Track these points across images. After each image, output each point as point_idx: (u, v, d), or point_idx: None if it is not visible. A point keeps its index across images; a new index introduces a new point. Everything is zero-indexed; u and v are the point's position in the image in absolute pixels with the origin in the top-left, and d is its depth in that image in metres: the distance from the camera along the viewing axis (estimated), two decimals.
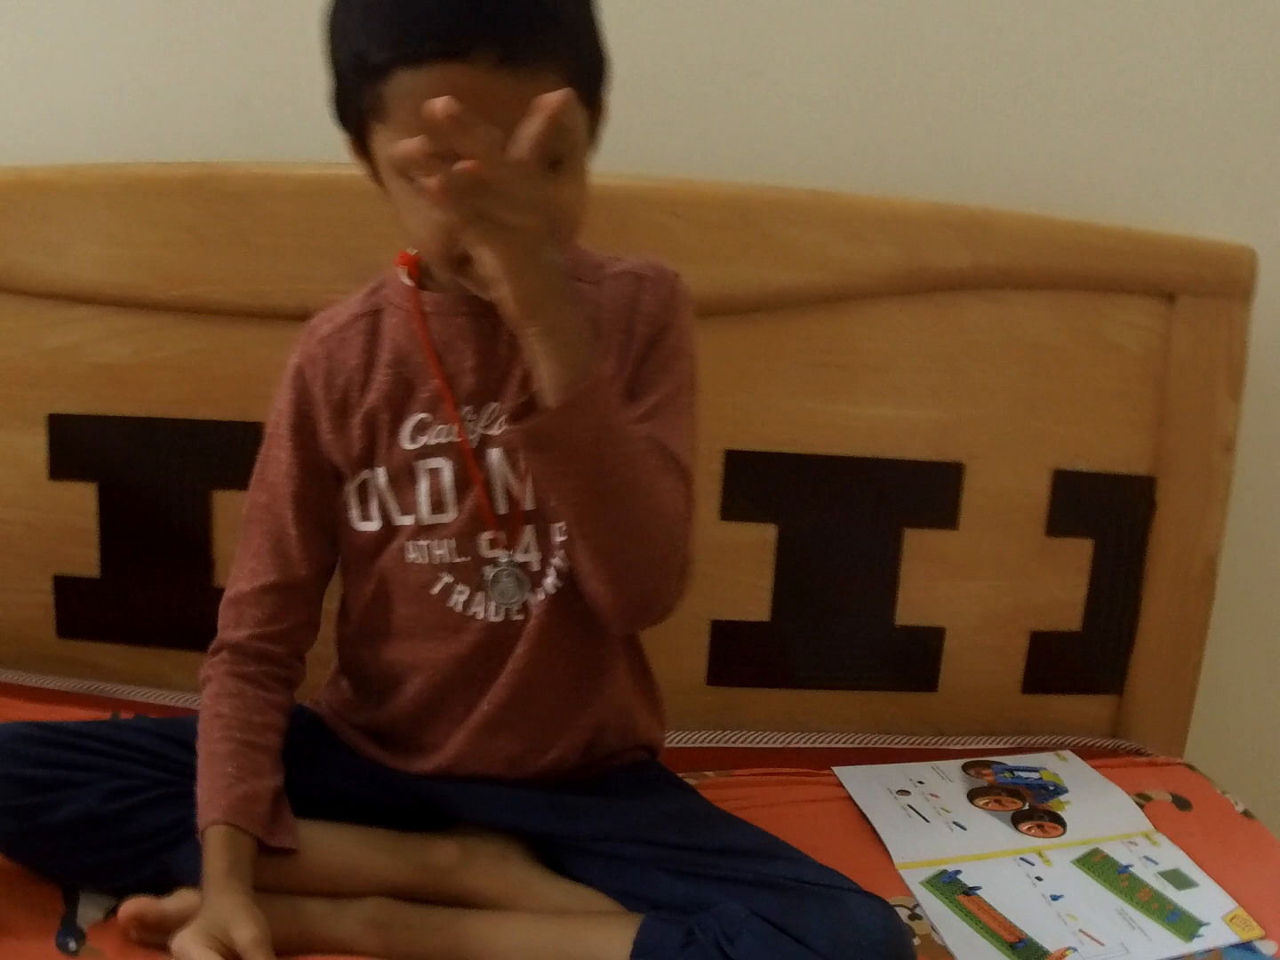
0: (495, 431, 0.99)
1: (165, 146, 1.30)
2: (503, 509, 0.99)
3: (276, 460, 1.04)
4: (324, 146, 1.24)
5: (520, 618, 1.00)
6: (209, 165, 1.26)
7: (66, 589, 1.34)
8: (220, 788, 0.95)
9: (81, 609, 1.35)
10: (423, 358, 1.00)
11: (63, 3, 1.33)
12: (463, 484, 0.99)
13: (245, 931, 0.86)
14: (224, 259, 1.26)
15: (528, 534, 0.99)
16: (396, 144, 0.80)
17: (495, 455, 0.99)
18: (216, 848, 0.92)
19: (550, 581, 1.00)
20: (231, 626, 1.05)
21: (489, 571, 0.99)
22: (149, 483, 1.32)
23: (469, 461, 0.98)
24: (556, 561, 1.00)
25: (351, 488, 1.02)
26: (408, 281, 1.02)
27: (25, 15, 1.33)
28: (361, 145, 0.93)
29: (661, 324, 1.00)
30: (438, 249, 0.89)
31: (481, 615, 1.00)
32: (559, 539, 0.99)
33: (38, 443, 1.31)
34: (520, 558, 0.99)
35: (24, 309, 1.28)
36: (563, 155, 0.87)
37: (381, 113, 0.86)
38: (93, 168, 1.27)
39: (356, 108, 0.89)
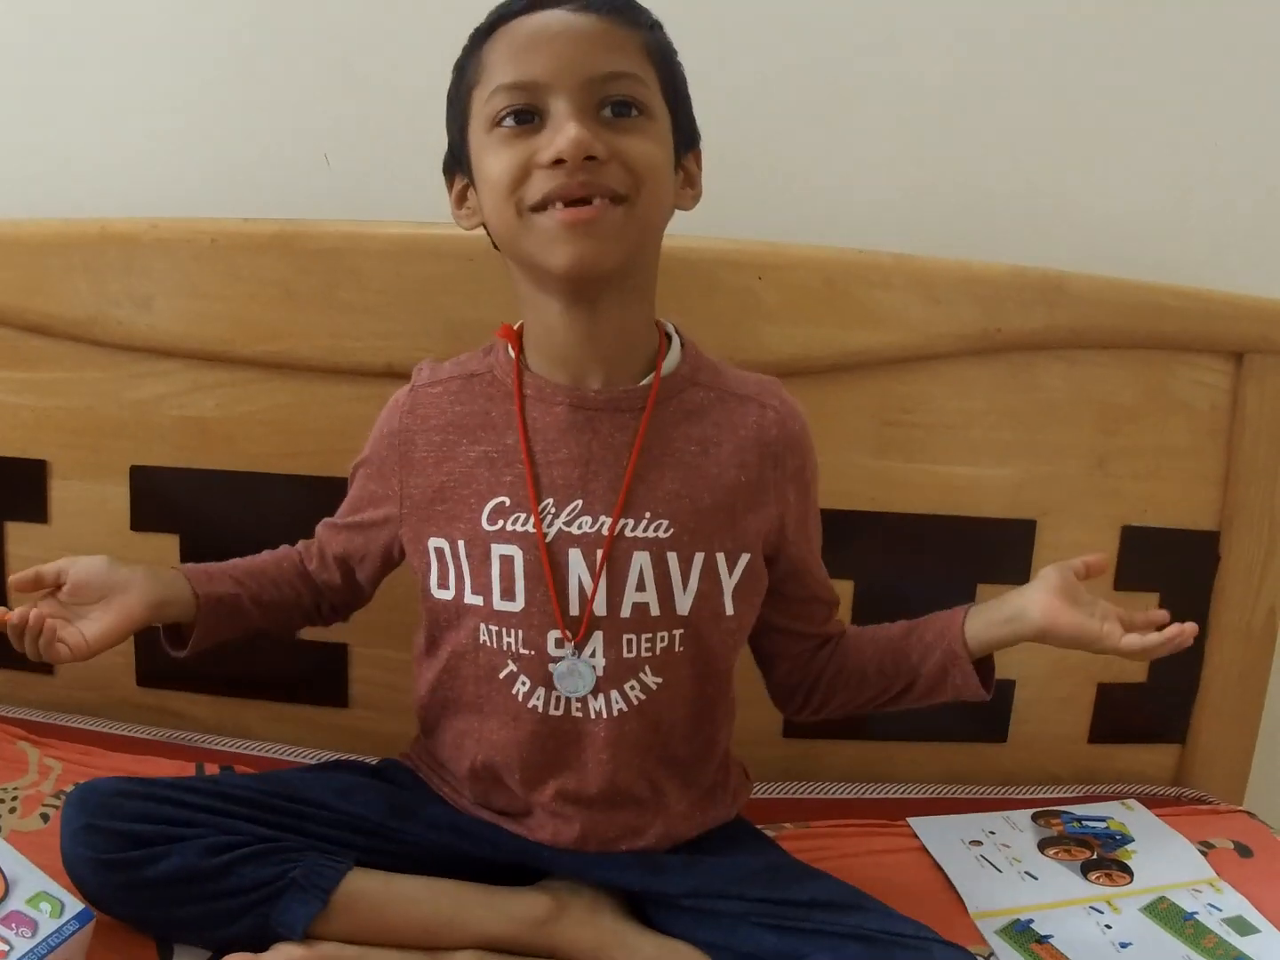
0: (576, 530, 0.98)
1: (245, 202, 1.30)
2: (574, 609, 0.98)
3: (355, 481, 1.10)
4: (406, 205, 1.28)
5: (580, 715, 1.00)
6: (295, 222, 1.27)
7: (147, 638, 1.33)
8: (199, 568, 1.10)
9: (162, 658, 1.32)
10: (514, 439, 1.00)
11: (146, 56, 1.34)
12: (533, 576, 0.98)
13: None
14: (311, 316, 1.26)
15: (596, 639, 0.99)
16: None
17: (574, 555, 0.98)
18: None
19: (634, 694, 1.00)
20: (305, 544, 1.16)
21: (553, 669, 0.99)
22: (232, 535, 1.30)
23: (543, 556, 0.98)
24: (645, 676, 1.00)
25: (430, 549, 1.02)
26: (510, 355, 1.02)
27: (108, 68, 1.34)
28: (460, 159, 0.99)
29: (803, 457, 1.04)
30: (508, 189, 0.92)
31: (540, 709, 1.00)
32: (639, 653, 0.99)
33: (120, 494, 1.32)
34: (586, 660, 0.99)
35: (108, 361, 1.30)
36: (631, 101, 0.92)
37: (480, 74, 0.95)
38: (177, 222, 1.27)
39: (460, 106, 0.97)
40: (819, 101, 1.34)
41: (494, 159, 0.93)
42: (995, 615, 1.05)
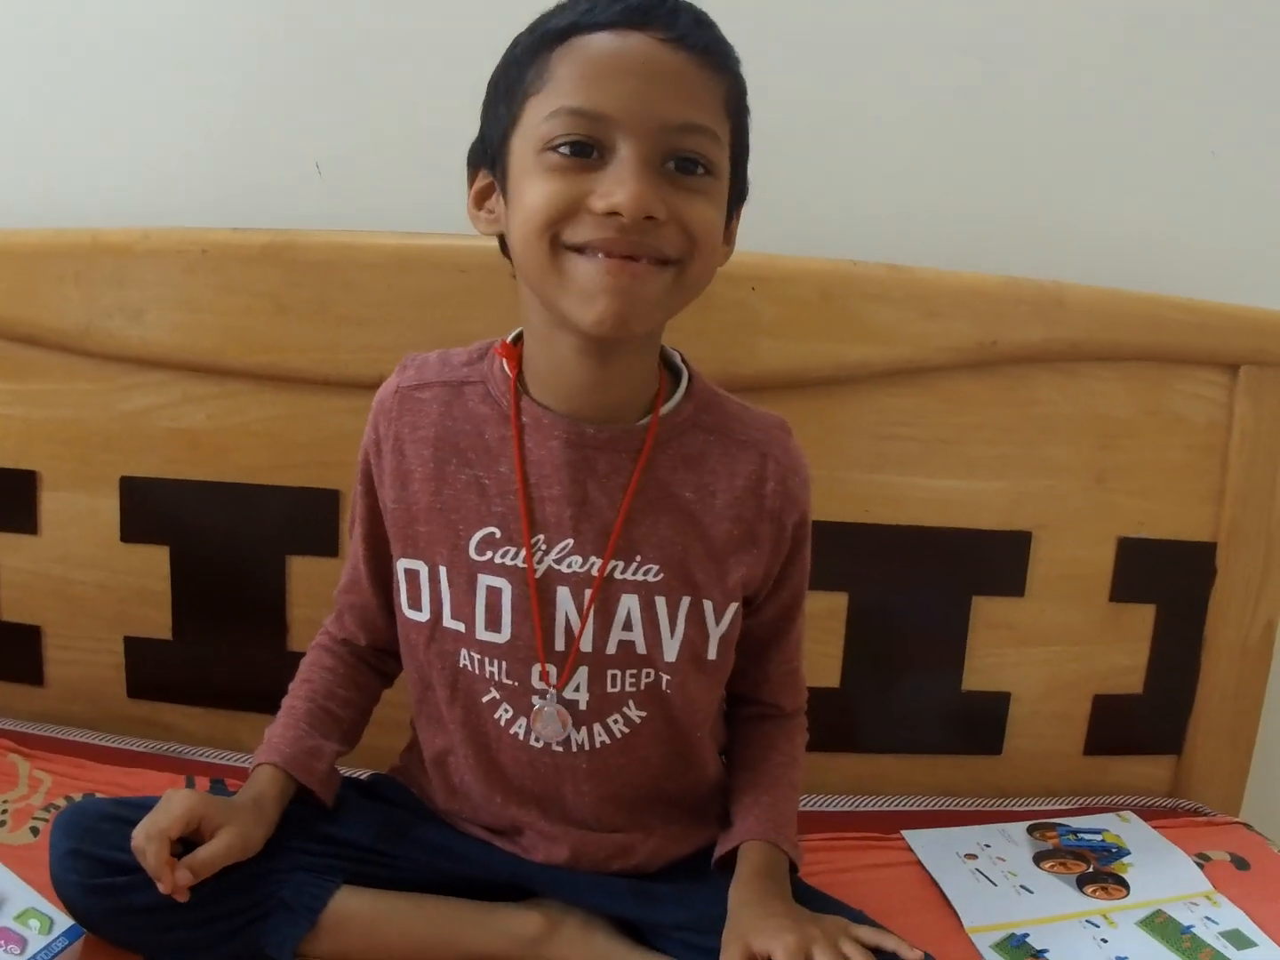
0: (566, 569, 0.95)
1: (236, 211, 1.29)
2: (560, 645, 0.96)
3: (356, 492, 1.04)
4: (398, 214, 1.27)
5: (560, 749, 0.99)
6: (287, 233, 1.26)
7: (137, 650, 1.35)
8: (290, 738, 1.01)
9: (152, 670, 1.35)
10: (509, 468, 0.95)
11: (137, 64, 1.33)
12: (521, 610, 0.96)
13: (225, 839, 0.92)
14: (303, 327, 1.25)
15: (580, 674, 0.97)
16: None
17: (562, 592, 0.96)
18: (265, 781, 0.99)
19: (618, 727, 0.99)
20: (331, 619, 1.10)
21: (536, 702, 0.98)
22: (222, 547, 1.32)
23: (532, 592, 0.95)
24: (629, 711, 0.99)
25: (400, 569, 1.00)
26: (507, 373, 0.96)
27: (100, 76, 1.33)
28: (493, 159, 0.91)
29: (801, 518, 1.01)
30: (546, 223, 0.84)
31: (522, 737, 0.99)
32: (624, 688, 0.98)
33: (110, 505, 1.31)
34: (569, 694, 0.97)
35: (99, 372, 1.29)
36: (700, 159, 0.85)
37: (544, 83, 0.85)
38: (168, 231, 1.26)
39: (509, 107, 0.88)
40: (815, 114, 1.33)
41: (538, 186, 0.85)
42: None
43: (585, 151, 0.84)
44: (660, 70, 0.83)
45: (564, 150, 0.84)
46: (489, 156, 0.92)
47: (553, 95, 0.84)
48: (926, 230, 1.34)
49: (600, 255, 0.84)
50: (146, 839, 0.90)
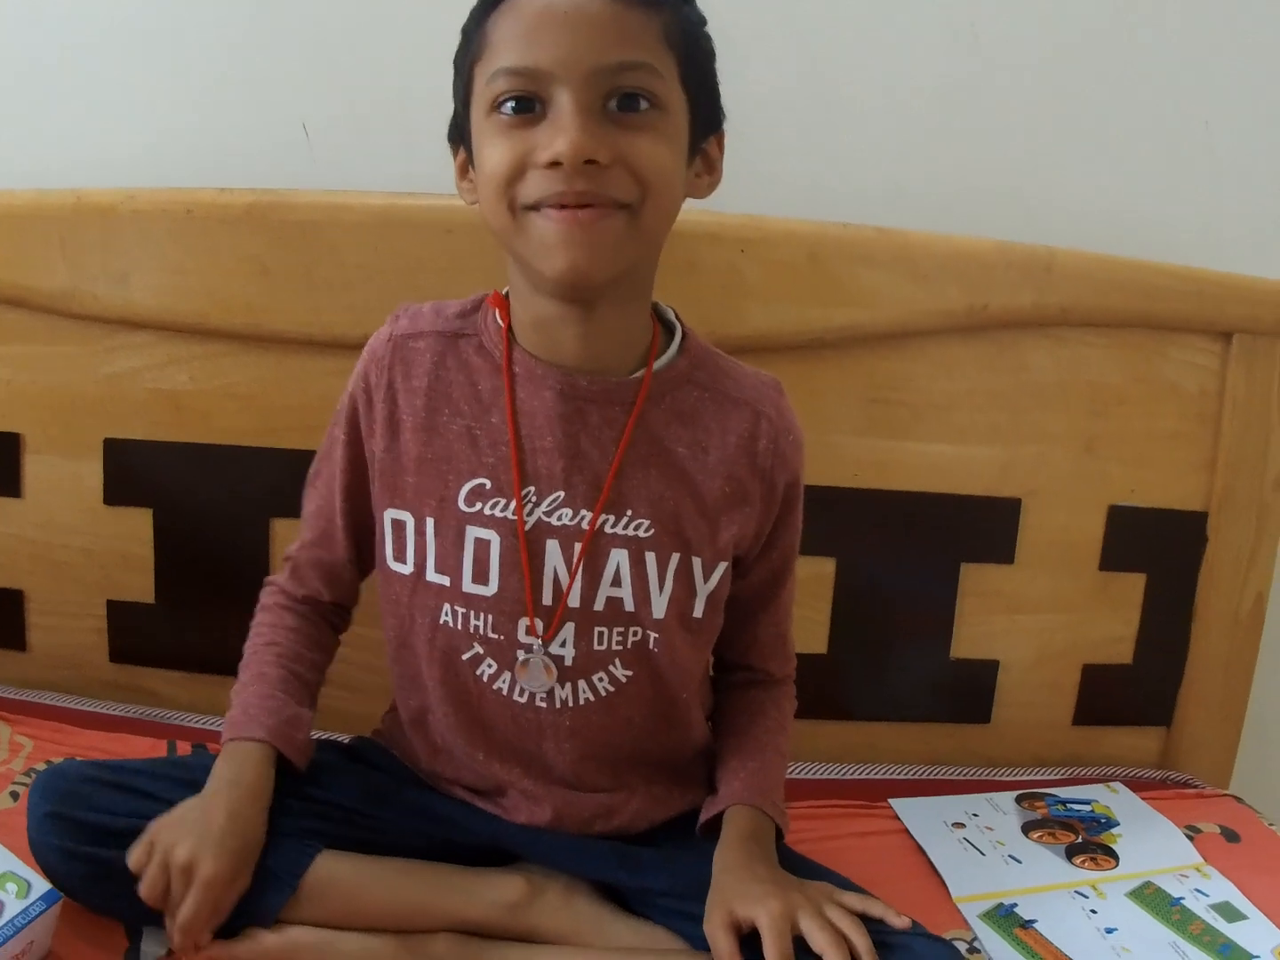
0: (556, 521, 0.95)
1: (222, 170, 1.28)
2: (547, 599, 0.96)
3: (335, 441, 1.04)
4: (385, 176, 1.27)
5: (544, 704, 0.98)
6: (272, 193, 1.25)
7: (120, 614, 1.34)
8: (270, 708, 0.99)
9: (135, 635, 1.35)
10: (500, 418, 0.96)
11: (122, 25, 1.32)
12: (509, 563, 0.95)
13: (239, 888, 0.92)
14: (287, 288, 1.24)
15: (567, 629, 0.96)
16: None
17: (551, 545, 0.95)
18: (260, 763, 0.97)
19: (603, 685, 0.98)
20: (286, 576, 1.08)
21: (521, 655, 0.97)
22: (206, 510, 1.31)
23: (521, 545, 0.95)
24: (615, 669, 0.98)
25: (387, 520, 1.00)
26: (500, 324, 0.97)
27: (85, 37, 1.32)
28: (463, 133, 0.93)
29: (793, 478, 1.02)
30: (502, 186, 0.87)
31: (505, 693, 0.98)
32: (610, 645, 0.97)
33: (94, 468, 1.30)
34: (555, 650, 0.97)
35: (83, 334, 1.27)
36: (640, 93, 0.86)
37: (483, 49, 0.88)
38: (153, 192, 1.25)
39: (464, 77, 0.91)
40: (805, 76, 1.32)
41: (490, 149, 0.87)
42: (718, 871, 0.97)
43: (528, 107, 0.86)
44: (586, 16, 0.84)
45: (507, 110, 0.86)
46: (460, 131, 0.94)
47: (492, 59, 0.87)
48: (914, 194, 1.33)
49: (553, 210, 0.85)
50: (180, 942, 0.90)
